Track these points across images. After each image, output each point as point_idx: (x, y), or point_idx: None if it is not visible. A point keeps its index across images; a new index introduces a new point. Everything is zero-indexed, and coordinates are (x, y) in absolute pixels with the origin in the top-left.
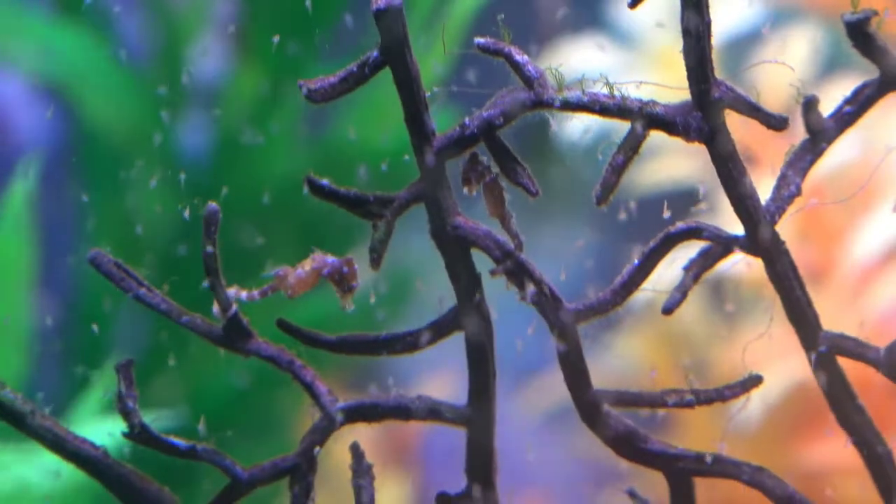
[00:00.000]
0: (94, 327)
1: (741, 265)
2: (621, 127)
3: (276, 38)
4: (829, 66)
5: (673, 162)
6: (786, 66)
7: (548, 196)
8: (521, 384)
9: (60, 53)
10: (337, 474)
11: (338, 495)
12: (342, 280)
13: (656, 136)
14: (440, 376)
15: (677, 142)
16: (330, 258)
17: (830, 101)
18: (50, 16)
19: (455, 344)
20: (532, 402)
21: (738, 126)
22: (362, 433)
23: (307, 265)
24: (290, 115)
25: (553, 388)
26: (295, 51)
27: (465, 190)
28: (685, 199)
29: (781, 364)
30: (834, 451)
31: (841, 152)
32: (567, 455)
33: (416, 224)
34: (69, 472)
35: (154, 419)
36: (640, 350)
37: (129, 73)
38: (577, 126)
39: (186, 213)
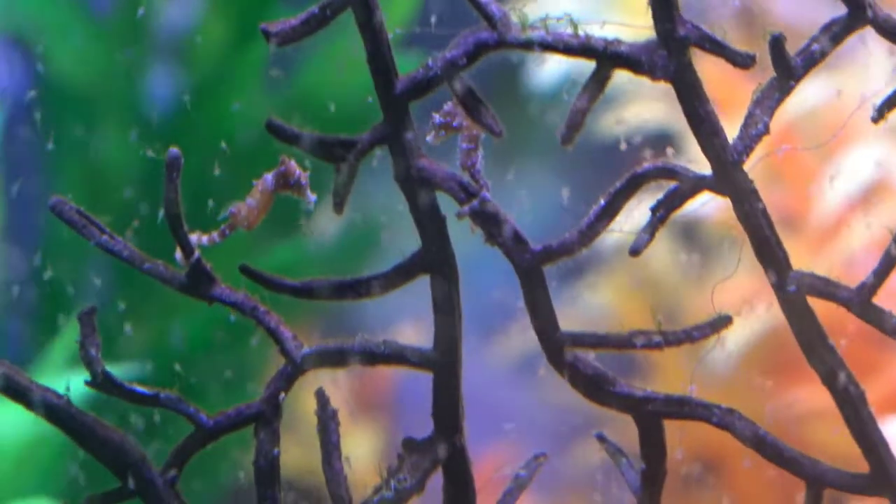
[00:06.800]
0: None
1: (711, 206)
2: (589, 68)
3: None
4: None
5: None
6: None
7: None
8: (497, 330)
9: (24, 4)
10: (306, 421)
11: (307, 441)
12: (288, 180)
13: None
14: (414, 323)
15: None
16: (268, 175)
17: None
18: None
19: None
20: (506, 348)
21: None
22: (336, 380)
23: (255, 193)
24: (257, 60)
25: (527, 333)
26: None
27: (429, 137)
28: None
29: (756, 306)
30: (810, 394)
31: (812, 94)
32: (539, 401)
33: (383, 168)
34: (34, 422)
35: (121, 370)
36: (610, 295)
37: (93, 22)
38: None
39: (149, 152)
